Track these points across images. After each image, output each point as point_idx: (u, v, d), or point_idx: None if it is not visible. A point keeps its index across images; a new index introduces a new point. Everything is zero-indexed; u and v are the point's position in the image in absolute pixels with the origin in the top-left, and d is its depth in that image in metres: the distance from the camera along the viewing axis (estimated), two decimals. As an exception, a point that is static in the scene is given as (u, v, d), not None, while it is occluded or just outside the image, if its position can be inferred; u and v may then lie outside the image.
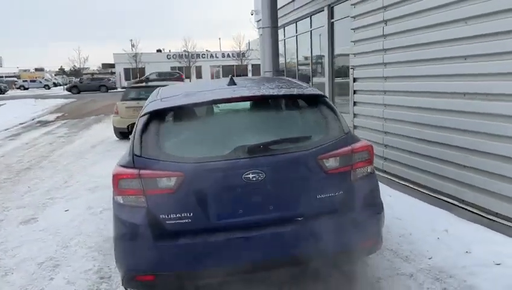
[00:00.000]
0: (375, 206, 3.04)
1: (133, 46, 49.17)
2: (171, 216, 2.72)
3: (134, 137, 2.91)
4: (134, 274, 2.80)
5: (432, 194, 4.89)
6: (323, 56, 10.37)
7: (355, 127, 6.54)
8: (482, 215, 4.18)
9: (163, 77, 34.70)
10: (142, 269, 2.76)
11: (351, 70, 6.60)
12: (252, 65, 47.80)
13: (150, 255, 2.71)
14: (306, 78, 11.69)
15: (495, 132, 4.00)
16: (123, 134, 11.06)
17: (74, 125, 15.71)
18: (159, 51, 53.52)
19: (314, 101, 3.18)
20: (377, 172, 3.30)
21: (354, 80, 6.53)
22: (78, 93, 37.10)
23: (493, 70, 3.95)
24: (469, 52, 4.21)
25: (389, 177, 5.65)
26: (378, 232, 3.03)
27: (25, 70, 74.33)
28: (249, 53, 47.39)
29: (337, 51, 9.71)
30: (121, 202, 2.80)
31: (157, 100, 3.17)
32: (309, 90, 3.33)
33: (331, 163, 2.88)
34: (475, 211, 4.28)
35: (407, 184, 5.34)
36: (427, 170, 4.97)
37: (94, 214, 5.42)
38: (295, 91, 3.27)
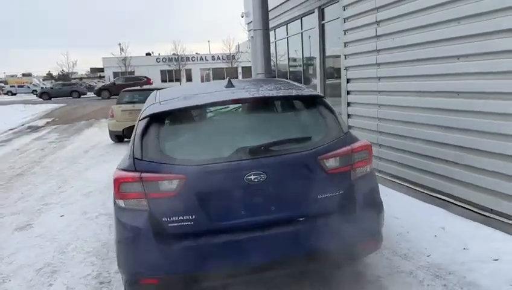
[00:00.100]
0: (376, 205, 3.07)
1: (122, 49, 49.03)
2: (173, 219, 2.72)
3: (134, 140, 2.91)
4: (137, 278, 2.79)
5: (428, 193, 4.95)
6: (315, 58, 10.41)
7: (349, 127, 6.57)
8: (477, 212, 4.24)
9: (130, 81, 34.43)
10: (145, 273, 2.76)
11: (344, 72, 6.65)
12: (242, 67, 47.87)
13: (153, 258, 2.71)
14: (297, 80, 11.73)
15: (488, 129, 4.06)
16: (118, 137, 11.14)
17: (65, 130, 15.58)
18: (148, 54, 53.44)
19: (313, 101, 3.21)
20: (373, 171, 3.32)
21: (348, 80, 6.58)
22: (49, 99, 35.53)
23: (486, 70, 4.02)
24: (462, 51, 4.27)
25: (385, 176, 5.70)
26: (379, 231, 3.06)
27: (12, 76, 73.57)
28: (239, 55, 47.47)
29: (328, 53, 9.76)
30: (123, 205, 2.79)
31: (156, 103, 3.17)
32: (307, 91, 3.36)
33: (331, 163, 2.90)
34: (470, 208, 4.34)
35: (403, 183, 5.40)
36: (422, 169, 5.02)
37: (90, 219, 5.39)
38: (294, 92, 3.30)
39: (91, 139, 12.79)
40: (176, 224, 2.73)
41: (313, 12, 9.99)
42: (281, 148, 2.84)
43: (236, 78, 43.01)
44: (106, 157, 9.47)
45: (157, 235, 2.71)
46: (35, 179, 7.88)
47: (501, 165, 3.93)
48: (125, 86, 33.82)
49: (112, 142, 11.54)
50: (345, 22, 6.58)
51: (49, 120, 19.46)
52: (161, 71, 49.64)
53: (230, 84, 3.33)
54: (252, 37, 14.32)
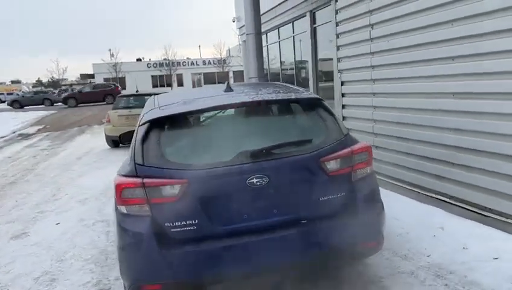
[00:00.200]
0: (377, 206, 3.09)
1: (112, 55, 48.83)
2: (176, 224, 2.71)
3: (135, 146, 2.89)
4: (140, 284, 2.77)
5: (425, 193, 4.98)
6: (307, 61, 10.46)
7: (345, 129, 6.60)
8: (474, 211, 4.28)
9: (98, 89, 34.46)
10: (148, 279, 2.74)
11: (338, 74, 6.69)
12: (233, 72, 47.93)
13: (155, 264, 2.70)
14: (290, 84, 11.74)
15: (484, 129, 4.11)
16: (115, 142, 11.24)
17: (57, 137, 15.44)
18: (139, 60, 53.24)
19: (312, 104, 3.22)
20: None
21: (342, 83, 6.62)
22: (21, 108, 34.46)
23: (481, 70, 4.06)
24: (457, 53, 4.31)
25: (381, 178, 5.72)
26: (381, 231, 3.08)
27: (0, 83, 72.78)
28: (230, 60, 47.53)
29: (320, 56, 9.81)
30: (125, 211, 2.77)
31: (155, 108, 3.16)
32: (306, 94, 3.38)
33: (332, 165, 2.91)
34: (468, 207, 4.37)
35: (400, 184, 5.43)
36: (418, 169, 5.06)
37: (87, 226, 5.34)
38: (293, 95, 3.32)
39: (83, 145, 12.69)
40: (178, 229, 2.72)
41: (305, 16, 10.04)
42: (283, 151, 2.85)
43: (229, 82, 43.04)
44: (100, 164, 9.41)
45: (160, 240, 2.69)
46: (28, 186, 7.79)
47: (498, 165, 3.97)
48: (92, 93, 33.74)
49: (105, 148, 11.49)
50: (338, 25, 6.63)
51: (40, 127, 19.28)
52: (152, 76, 49.47)
53: (229, 89, 3.33)
54: (244, 41, 14.36)
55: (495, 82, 3.93)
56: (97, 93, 33.72)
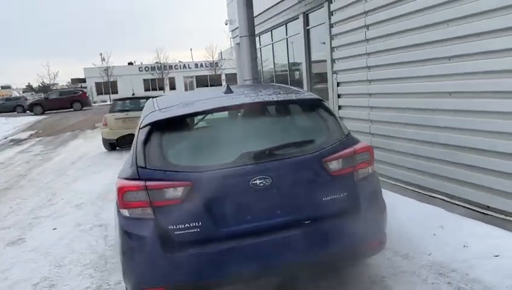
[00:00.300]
0: (379, 206, 3.10)
1: (103, 59, 48.57)
2: (180, 226, 2.70)
3: (136, 149, 2.87)
4: (143, 287, 2.76)
5: (423, 192, 5.00)
6: (301, 63, 10.48)
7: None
8: (474, 210, 4.30)
9: (65, 95, 34.19)
10: (152, 282, 2.72)
11: (334, 75, 6.71)
12: (226, 74, 47.88)
13: (159, 267, 2.68)
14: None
15: (481, 128, 4.14)
16: (112, 145, 11.28)
17: (50, 142, 15.31)
18: (130, 63, 53.01)
19: (313, 105, 3.23)
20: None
21: (338, 84, 6.64)
22: None
23: (477, 69, 4.09)
24: (453, 52, 4.34)
25: (380, 178, 5.70)
26: (383, 230, 3.09)
27: (-11, 89, 72.03)
28: (222, 62, 47.48)
29: (314, 57, 9.84)
30: (127, 215, 2.75)
31: (155, 111, 3.14)
32: (307, 94, 3.39)
33: (334, 165, 2.91)
34: (467, 205, 4.40)
35: (398, 184, 5.45)
36: (416, 169, 5.09)
37: (84, 231, 5.29)
38: (294, 96, 3.32)
39: (77, 150, 12.60)
40: (182, 232, 2.70)
41: (298, 18, 10.07)
42: (285, 152, 2.84)
43: (221, 85, 43.01)
44: (94, 168, 9.34)
45: (163, 243, 2.68)
46: (23, 192, 7.71)
47: (497, 163, 3.99)
48: (59, 100, 33.13)
49: (99, 152, 11.45)
50: (333, 26, 6.66)
51: (33, 132, 19.13)
52: (144, 80, 49.28)
53: (229, 90, 3.33)
54: (237, 43, 14.36)
55: (492, 81, 3.96)
56: (64, 100, 33.30)
